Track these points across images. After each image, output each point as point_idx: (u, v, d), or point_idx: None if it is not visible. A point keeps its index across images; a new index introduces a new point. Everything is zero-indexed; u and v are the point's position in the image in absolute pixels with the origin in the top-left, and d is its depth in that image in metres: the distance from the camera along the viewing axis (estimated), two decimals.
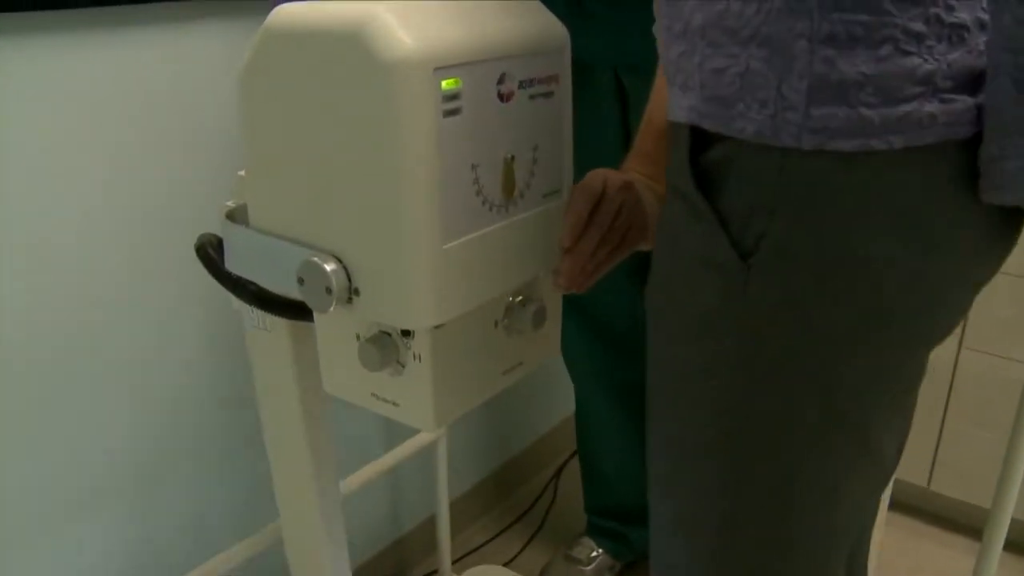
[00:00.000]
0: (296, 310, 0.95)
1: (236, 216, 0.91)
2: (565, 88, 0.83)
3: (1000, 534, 1.23)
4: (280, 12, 0.74)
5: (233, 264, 0.92)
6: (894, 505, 1.97)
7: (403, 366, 0.78)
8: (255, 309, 1.00)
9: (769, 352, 0.66)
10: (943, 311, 0.67)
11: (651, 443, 0.77)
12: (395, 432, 1.68)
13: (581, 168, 0.88)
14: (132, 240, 1.22)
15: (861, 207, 0.60)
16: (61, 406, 1.19)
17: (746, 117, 0.62)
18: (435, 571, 1.78)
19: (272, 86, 0.76)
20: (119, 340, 1.24)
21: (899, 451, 0.85)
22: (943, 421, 1.85)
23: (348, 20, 0.68)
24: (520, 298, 0.85)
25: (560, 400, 2.20)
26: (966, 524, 1.93)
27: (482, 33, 0.72)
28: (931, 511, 1.98)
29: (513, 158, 0.77)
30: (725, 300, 0.66)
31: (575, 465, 1.87)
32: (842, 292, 0.63)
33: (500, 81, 0.74)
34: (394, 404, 0.82)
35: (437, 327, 0.75)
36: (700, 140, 0.66)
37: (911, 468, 1.91)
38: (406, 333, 0.77)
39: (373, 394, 0.84)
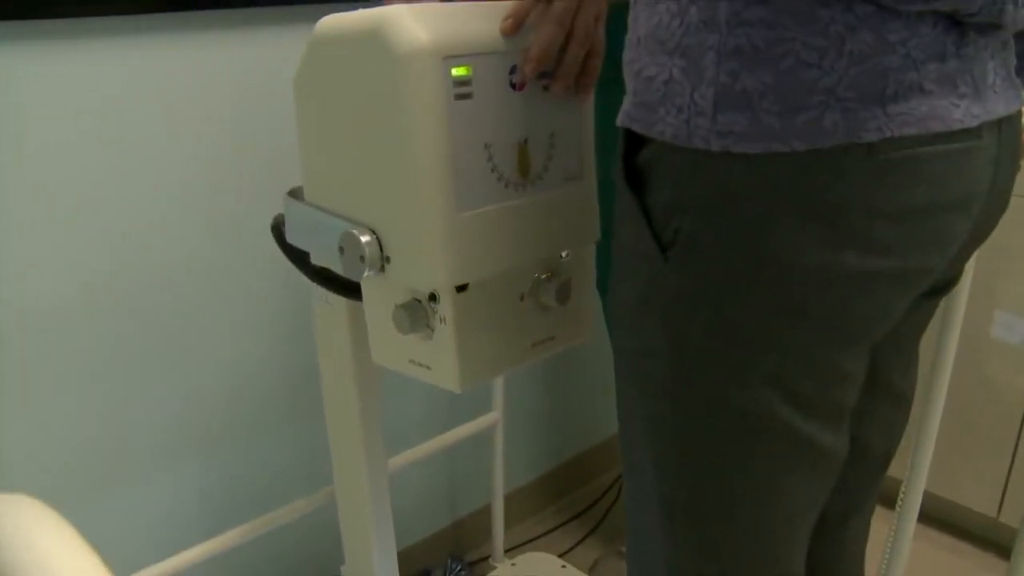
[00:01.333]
0: (348, 287, 1.03)
1: (296, 194, 1.00)
2: None
3: None
4: (323, 23, 0.85)
5: (292, 236, 1.01)
6: (962, 534, 1.95)
7: (432, 330, 0.86)
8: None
9: (690, 342, 0.71)
10: (866, 308, 0.69)
11: (617, 414, 0.83)
12: (455, 416, 1.76)
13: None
14: (215, 220, 1.33)
15: (767, 206, 0.65)
16: (146, 369, 1.31)
17: (665, 121, 0.67)
18: (488, 556, 1.84)
19: (318, 84, 0.88)
20: (208, 310, 1.35)
21: (885, 447, 0.88)
22: (1015, 451, 1.82)
23: (372, 22, 0.79)
24: (546, 275, 0.91)
25: None
26: None
27: (492, 30, 0.82)
28: (1000, 543, 1.94)
29: (527, 141, 0.85)
30: (650, 289, 0.72)
31: None
32: (751, 288, 0.67)
33: (511, 72, 0.83)
34: (427, 368, 0.90)
35: (460, 291, 0.83)
36: (633, 142, 0.72)
37: (980, 498, 1.88)
38: (433, 298, 0.84)
39: (411, 360, 0.92)
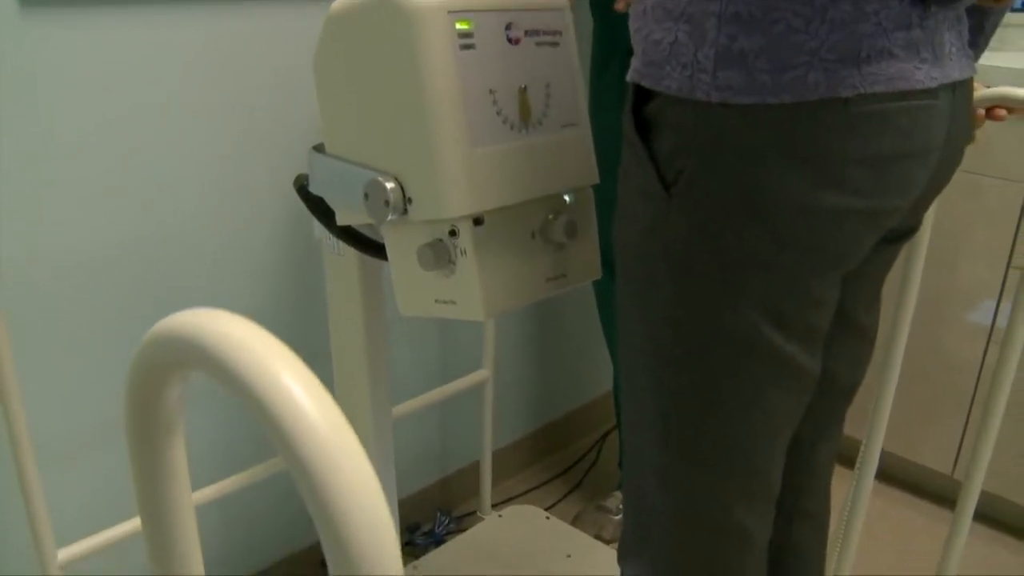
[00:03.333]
0: (371, 245, 1.12)
1: (319, 149, 1.09)
2: (568, 41, 1.03)
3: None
4: (335, 3, 0.98)
5: (315, 186, 1.09)
6: (920, 492, 2.07)
7: (454, 264, 0.95)
8: (333, 237, 1.17)
9: (689, 271, 0.82)
10: (840, 240, 0.80)
11: (618, 345, 0.94)
12: (447, 373, 1.85)
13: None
14: (240, 173, 1.41)
15: (758, 150, 0.75)
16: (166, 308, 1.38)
17: (671, 77, 0.78)
18: (475, 511, 1.93)
19: (337, 55, 1.00)
20: (225, 262, 1.43)
21: (851, 377, 0.98)
22: (969, 413, 1.93)
23: None
24: (553, 214, 1.01)
25: (609, 370, 2.34)
26: (992, 516, 2.01)
27: None
28: (955, 499, 2.06)
29: (526, 88, 0.97)
30: (655, 224, 0.83)
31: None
32: (742, 220, 0.78)
33: (508, 27, 0.95)
34: (453, 303, 0.99)
35: (477, 225, 0.91)
36: (642, 96, 0.83)
37: (937, 457, 2.00)
38: (453, 234, 0.93)
39: (436, 300, 1.01)
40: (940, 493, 2.08)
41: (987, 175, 1.77)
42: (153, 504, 0.45)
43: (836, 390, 1.02)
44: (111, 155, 1.27)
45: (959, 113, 0.82)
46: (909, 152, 0.78)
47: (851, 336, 0.99)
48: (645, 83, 0.81)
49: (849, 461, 1.43)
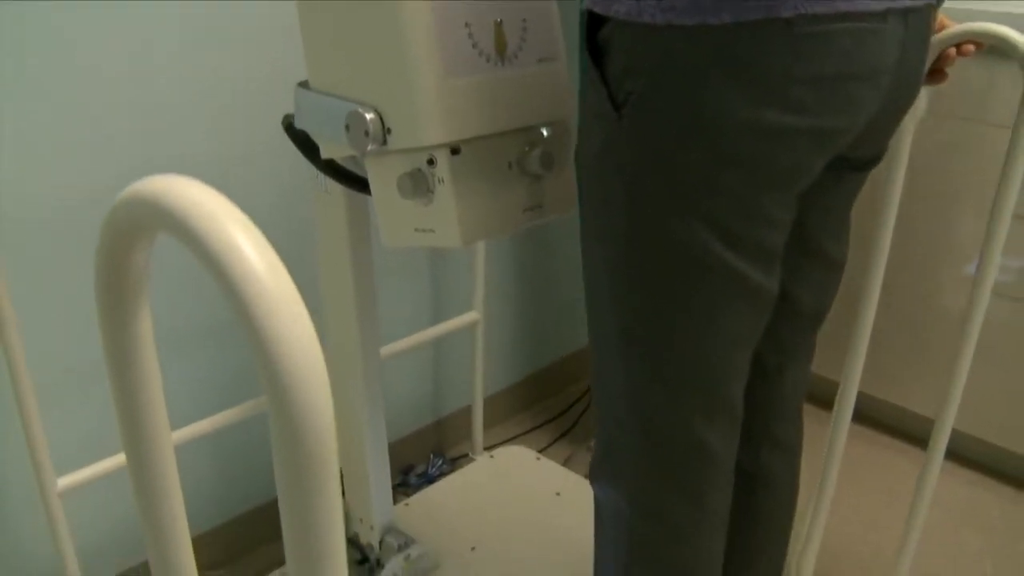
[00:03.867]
0: (354, 179, 1.15)
1: (304, 86, 1.11)
2: None
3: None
4: None
5: (300, 121, 1.12)
6: (908, 437, 2.11)
7: (432, 193, 0.98)
8: (320, 175, 1.20)
9: (641, 190, 0.85)
10: (786, 159, 0.82)
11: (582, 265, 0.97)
12: (438, 315, 1.89)
13: None
14: (232, 114, 1.43)
15: (701, 69, 0.78)
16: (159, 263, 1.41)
17: (620, 2, 0.80)
18: (468, 453, 1.97)
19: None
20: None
21: (816, 303, 1.01)
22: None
23: None
24: (530, 146, 1.04)
25: None
26: (975, 460, 2.05)
27: None
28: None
29: (501, 22, 0.99)
30: (607, 143, 0.86)
31: None
32: (689, 138, 0.80)
33: None
34: (431, 231, 1.02)
35: (454, 154, 0.94)
36: (595, 22, 0.85)
37: (923, 401, 2.03)
38: (431, 163, 0.96)
39: (416, 229, 1.04)
40: (925, 436, 2.11)
41: (984, 122, 1.78)
42: (122, 368, 0.49)
43: (802, 316, 1.04)
44: (105, 94, 1.30)
45: (912, 40, 0.84)
46: (854, 74, 0.80)
47: (817, 264, 1.01)
48: (597, 9, 0.83)
49: (830, 404, 1.46)
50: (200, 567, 1.61)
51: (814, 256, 1.00)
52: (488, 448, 2.01)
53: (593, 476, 1.03)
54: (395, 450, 1.88)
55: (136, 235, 0.45)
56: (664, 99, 0.80)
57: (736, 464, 1.02)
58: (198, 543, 1.62)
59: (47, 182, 1.28)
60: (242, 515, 1.70)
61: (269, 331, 0.39)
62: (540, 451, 2.01)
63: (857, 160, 0.95)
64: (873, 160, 0.98)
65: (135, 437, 0.51)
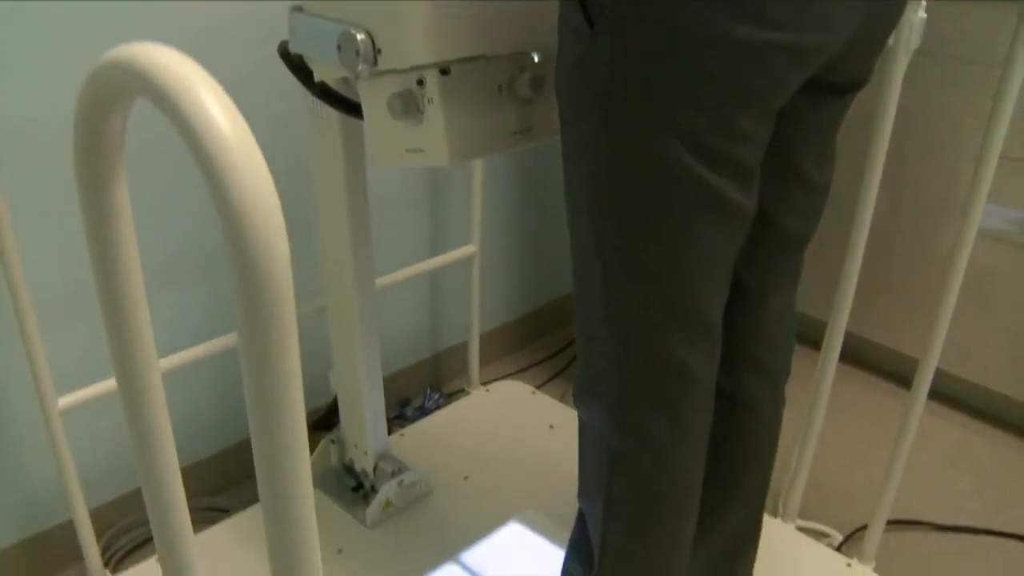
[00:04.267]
0: (346, 104, 1.16)
1: (298, 9, 1.12)
2: None
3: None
4: None
5: (294, 45, 1.12)
6: (900, 380, 2.13)
7: (422, 113, 0.99)
8: (316, 101, 1.21)
9: (614, 104, 0.85)
10: (761, 74, 0.83)
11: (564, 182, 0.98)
12: (436, 248, 1.91)
13: None
14: (229, 41, 1.44)
15: None
16: (152, 195, 1.43)
17: None
18: (464, 388, 2.00)
19: None
20: None
21: (798, 229, 1.02)
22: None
23: None
24: (520, 69, 1.05)
25: None
26: (967, 403, 2.07)
27: None
28: (935, 390, 2.11)
29: None
30: (581, 59, 0.86)
31: None
32: (663, 53, 0.81)
33: None
34: (421, 151, 1.03)
35: (444, 75, 0.95)
36: None
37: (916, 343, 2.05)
38: (421, 83, 0.97)
39: (407, 150, 1.05)
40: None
41: (984, 63, 1.76)
42: (101, 234, 0.50)
43: (785, 242, 1.05)
44: (105, 18, 1.31)
45: None
46: None
47: (799, 188, 1.02)
48: None
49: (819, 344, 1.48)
50: (199, 493, 1.65)
51: (796, 180, 1.01)
52: (485, 383, 2.03)
53: (576, 397, 1.05)
54: (392, 383, 1.91)
55: (114, 100, 0.47)
56: (637, 13, 0.80)
57: (718, 389, 1.04)
58: (197, 470, 1.66)
59: (47, 103, 1.29)
60: (241, 442, 1.73)
61: (232, 186, 0.41)
62: (537, 388, 2.03)
63: (837, 83, 0.95)
64: (854, 85, 0.98)
65: (113, 299, 0.53)
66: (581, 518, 1.12)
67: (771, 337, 1.13)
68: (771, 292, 1.09)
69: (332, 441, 1.61)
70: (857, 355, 2.21)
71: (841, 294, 1.41)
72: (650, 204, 0.88)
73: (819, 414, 1.49)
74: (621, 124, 0.85)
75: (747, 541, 1.28)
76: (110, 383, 1.36)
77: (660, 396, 0.96)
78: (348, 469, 1.61)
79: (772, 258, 1.06)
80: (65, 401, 1.31)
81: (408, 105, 0.99)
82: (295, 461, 0.49)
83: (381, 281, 1.65)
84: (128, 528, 1.59)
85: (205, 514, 1.60)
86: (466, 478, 1.65)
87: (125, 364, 0.53)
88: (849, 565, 1.46)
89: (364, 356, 1.46)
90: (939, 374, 2.04)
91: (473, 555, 1.47)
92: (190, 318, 1.57)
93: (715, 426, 1.06)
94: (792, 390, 1.92)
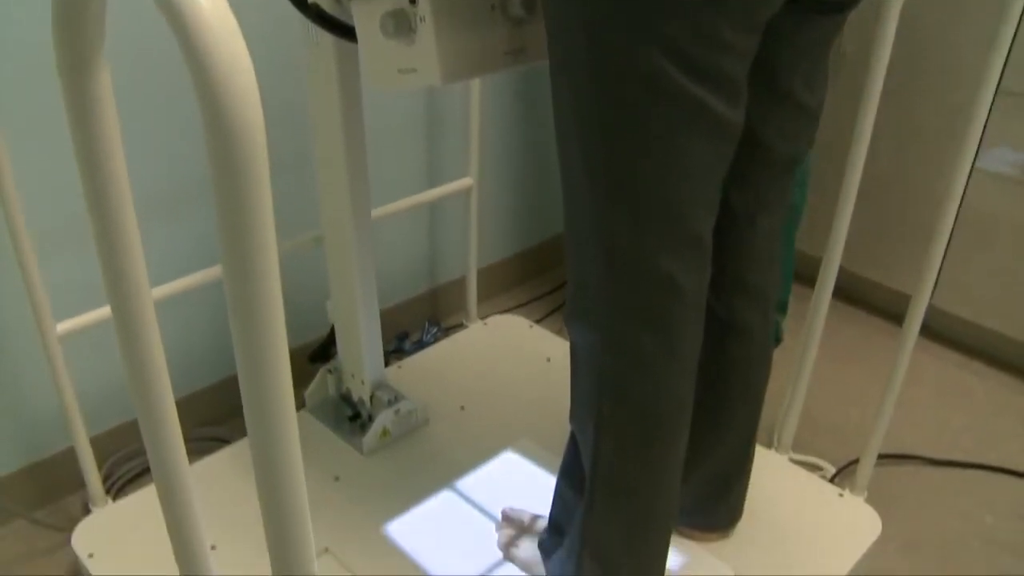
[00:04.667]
0: (340, 27, 1.15)
1: None
2: None
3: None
4: None
5: None
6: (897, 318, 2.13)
7: (414, 32, 0.98)
8: (311, 26, 1.20)
9: (599, 15, 0.84)
10: None
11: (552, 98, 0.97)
12: (434, 180, 1.91)
13: None
14: None
15: None
16: (149, 118, 1.42)
17: None
18: (462, 323, 2.01)
19: None
20: None
21: (788, 150, 1.01)
22: (949, 240, 1.96)
23: None
24: None
25: None
26: (965, 343, 2.08)
27: None
28: (932, 329, 2.12)
29: None
30: None
31: None
32: None
33: None
34: (413, 71, 1.02)
35: None
36: None
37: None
38: (413, 2, 0.96)
39: (399, 70, 1.04)
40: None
41: None
42: (84, 123, 0.50)
43: (774, 163, 1.05)
44: None
45: None
46: None
47: (789, 110, 1.01)
48: None
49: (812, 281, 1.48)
50: (200, 423, 1.67)
51: (785, 101, 1.00)
52: (483, 318, 2.04)
53: (567, 317, 1.05)
54: (390, 317, 1.92)
55: None
56: None
57: (710, 314, 1.04)
58: (198, 399, 1.68)
59: (44, 29, 1.28)
60: None
61: (204, 48, 0.41)
62: (535, 323, 2.04)
63: (828, 4, 0.93)
64: (843, 4, 0.96)
65: (99, 190, 0.53)
66: (573, 442, 1.13)
67: (761, 260, 1.13)
68: (760, 213, 1.08)
69: (329, 371, 1.62)
70: (857, 295, 2.21)
71: (837, 225, 1.40)
72: (635, 117, 0.87)
73: (814, 343, 1.49)
74: (604, 36, 0.85)
75: (739, 469, 1.30)
76: (107, 310, 1.36)
77: (649, 313, 0.97)
78: (345, 399, 1.62)
79: (762, 180, 1.06)
80: (63, 327, 1.31)
81: (400, 24, 0.98)
82: (269, 312, 0.49)
83: (377, 212, 1.64)
84: (129, 456, 1.61)
85: (205, 444, 1.62)
86: (463, 408, 1.66)
87: (115, 275, 0.52)
88: (841, 495, 1.47)
89: (360, 284, 1.46)
90: (937, 313, 2.05)
91: (468, 482, 1.48)
92: (184, 250, 1.57)
93: (707, 351, 1.06)
94: (791, 328, 1.94)
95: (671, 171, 0.90)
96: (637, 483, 1.06)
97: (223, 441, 1.59)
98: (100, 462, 1.48)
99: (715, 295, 1.05)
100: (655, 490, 1.07)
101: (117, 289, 0.52)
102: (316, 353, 1.69)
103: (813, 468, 1.59)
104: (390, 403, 1.55)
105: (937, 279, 2.00)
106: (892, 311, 2.15)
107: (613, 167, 0.91)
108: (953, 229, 1.94)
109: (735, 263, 1.09)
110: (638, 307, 0.96)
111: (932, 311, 2.05)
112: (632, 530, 1.08)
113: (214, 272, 1.45)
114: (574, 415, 1.10)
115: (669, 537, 1.14)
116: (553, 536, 1.23)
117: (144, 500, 1.43)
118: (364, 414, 1.58)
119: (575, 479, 1.13)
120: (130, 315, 0.52)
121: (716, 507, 1.32)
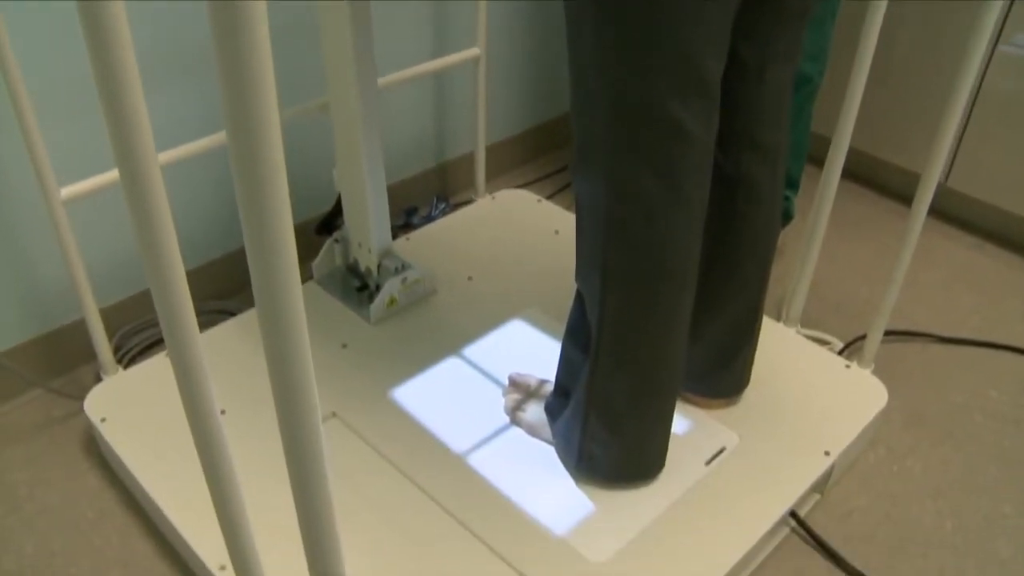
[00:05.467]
0: None
1: None
2: None
3: None
4: None
5: None
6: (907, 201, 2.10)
7: None
8: None
9: None
10: None
11: None
12: (440, 51, 1.86)
13: None
14: None
15: None
16: None
17: None
18: (470, 200, 1.99)
19: None
20: None
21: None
22: (967, 122, 1.92)
23: None
24: None
25: None
26: (979, 224, 2.05)
27: None
28: (946, 210, 2.09)
29: None
30: None
31: None
32: None
33: None
34: None
35: None
36: None
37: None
38: None
39: None
40: (932, 203, 2.11)
41: None
42: None
43: (782, 12, 1.01)
44: None
45: None
46: None
47: None
48: None
49: (854, 175, 1.44)
50: (208, 297, 1.67)
51: None
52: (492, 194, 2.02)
53: (574, 170, 1.03)
54: (398, 192, 1.91)
55: None
56: None
57: (717, 169, 1.02)
58: (206, 272, 1.67)
59: None
60: None
61: None
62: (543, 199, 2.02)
63: None
64: None
65: (101, 48, 0.50)
66: (579, 302, 1.12)
67: (770, 115, 1.10)
68: (770, 66, 1.05)
69: (336, 241, 1.61)
70: (872, 177, 2.18)
71: (850, 95, 1.36)
72: None
73: (824, 216, 1.47)
74: None
75: (746, 334, 1.29)
76: (111, 174, 1.35)
77: (657, 159, 0.95)
78: (352, 270, 1.62)
79: (771, 31, 1.02)
80: (67, 191, 1.30)
81: None
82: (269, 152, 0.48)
83: (384, 80, 1.61)
84: (139, 328, 1.61)
85: (214, 316, 1.62)
86: (470, 279, 1.65)
87: (121, 133, 0.50)
88: (848, 367, 1.48)
89: (367, 149, 1.43)
90: (952, 195, 2.03)
91: (475, 350, 1.49)
92: (191, 116, 1.55)
93: (715, 209, 1.05)
94: (803, 209, 1.91)
95: (682, 16, 0.87)
96: (643, 337, 1.05)
97: (230, 314, 1.60)
98: (110, 335, 1.48)
99: (723, 152, 1.03)
100: (661, 345, 1.07)
101: (124, 148, 0.50)
102: (322, 225, 1.68)
103: (821, 343, 1.58)
104: (397, 271, 1.54)
105: (953, 160, 1.97)
106: (908, 193, 2.12)
107: (625, 13, 0.88)
108: (972, 110, 1.91)
109: (744, 118, 1.06)
110: (645, 154, 0.94)
111: (947, 193, 2.03)
112: (638, 386, 1.09)
113: (218, 139, 1.43)
114: (580, 272, 1.09)
115: (675, 396, 1.15)
116: (559, 399, 1.24)
117: (153, 368, 1.44)
118: (371, 284, 1.57)
119: (581, 339, 1.13)
120: (138, 171, 0.51)
121: (722, 374, 1.33)
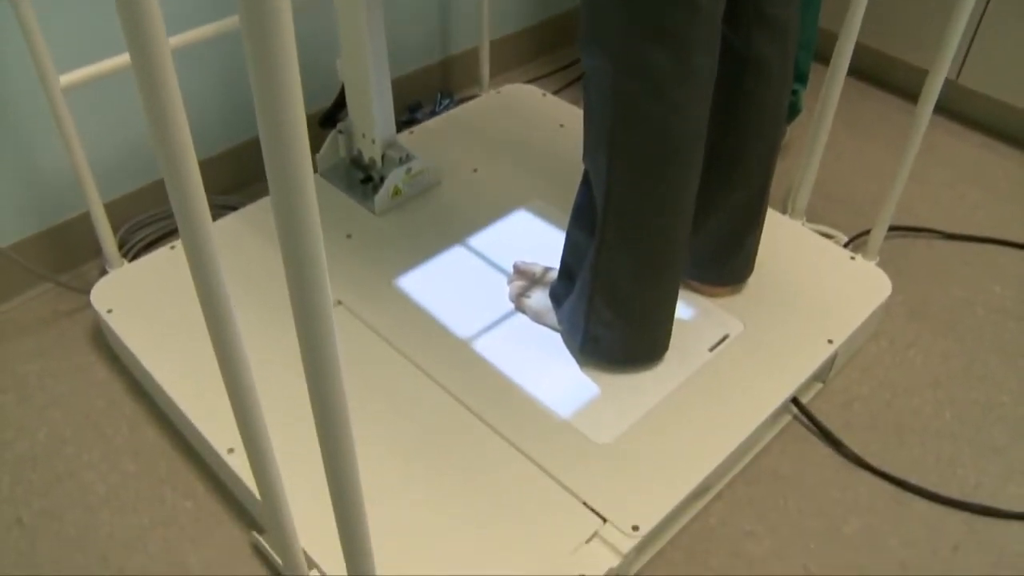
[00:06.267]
0: None
1: None
2: None
3: None
4: None
5: None
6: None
7: None
8: None
9: None
10: None
11: None
12: None
13: None
14: None
15: None
16: None
17: None
18: (475, 96, 1.96)
19: None
20: None
21: None
22: (981, 18, 1.88)
23: None
24: None
25: None
26: (991, 123, 2.03)
27: None
28: (956, 108, 2.06)
29: None
30: None
31: None
32: None
33: None
34: None
35: None
36: None
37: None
38: None
39: None
40: (942, 101, 2.08)
41: None
42: None
43: None
44: None
45: None
46: None
47: None
48: None
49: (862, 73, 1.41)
50: (212, 191, 1.66)
51: None
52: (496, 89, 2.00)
53: (580, 43, 1.02)
54: (402, 86, 1.88)
55: None
56: None
57: (727, 48, 1.00)
58: (210, 167, 1.66)
59: None
60: (252, 140, 1.72)
61: None
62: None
63: None
64: None
65: None
66: (585, 183, 1.12)
67: (781, 27, 1.08)
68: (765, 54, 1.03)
69: (339, 131, 1.59)
70: (880, 74, 2.15)
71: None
72: None
73: (831, 107, 1.45)
74: None
75: (752, 219, 1.29)
76: (111, 62, 1.32)
77: (663, 28, 0.93)
78: (356, 163, 1.60)
79: None
80: (66, 79, 1.28)
81: None
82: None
83: None
84: (142, 224, 1.61)
85: (218, 211, 1.62)
86: (475, 171, 1.64)
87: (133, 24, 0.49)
88: (853, 259, 1.48)
89: (371, 37, 1.41)
90: (963, 92, 2.00)
91: (480, 239, 1.48)
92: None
93: (722, 85, 1.03)
94: (810, 106, 1.89)
95: None
96: (649, 215, 1.05)
97: (232, 208, 1.59)
98: (114, 229, 1.48)
99: (732, 28, 1.01)
100: (667, 223, 1.06)
101: (134, 31, 0.49)
102: (325, 117, 1.66)
103: (826, 237, 1.58)
104: (401, 162, 1.53)
105: (966, 57, 1.94)
106: (919, 92, 2.09)
107: None
108: (988, 4, 1.86)
109: (746, 34, 1.04)
110: (653, 25, 0.93)
111: (958, 90, 2.00)
112: (643, 265, 1.09)
113: (226, 24, 1.40)
114: (587, 150, 1.08)
115: (679, 277, 1.15)
116: (564, 281, 1.24)
117: (158, 261, 1.45)
118: (375, 176, 1.56)
119: (587, 221, 1.13)
120: (148, 54, 0.50)
121: (728, 260, 1.33)
